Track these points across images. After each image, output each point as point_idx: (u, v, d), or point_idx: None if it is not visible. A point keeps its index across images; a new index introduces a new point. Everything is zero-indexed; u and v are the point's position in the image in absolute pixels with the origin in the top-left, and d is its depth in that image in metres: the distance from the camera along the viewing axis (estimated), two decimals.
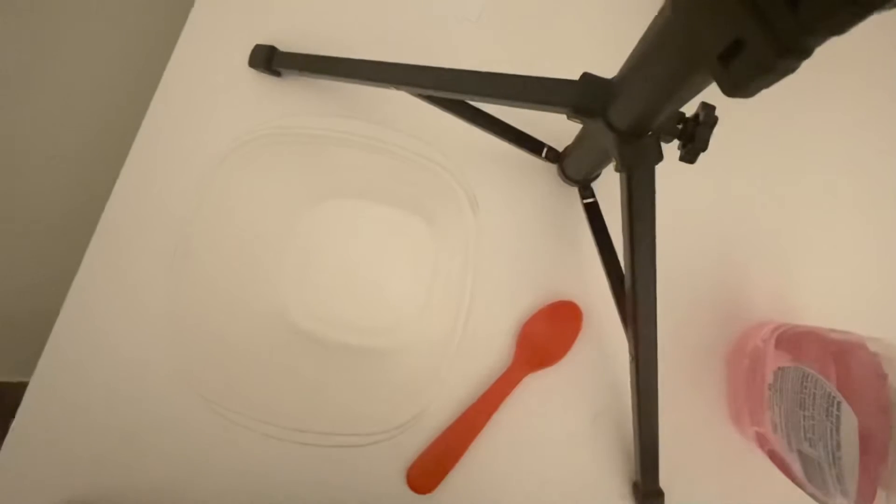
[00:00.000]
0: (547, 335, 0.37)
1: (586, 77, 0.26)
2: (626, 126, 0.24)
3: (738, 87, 0.15)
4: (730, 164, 0.41)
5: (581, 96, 0.25)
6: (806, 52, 0.13)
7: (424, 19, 0.44)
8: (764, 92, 0.15)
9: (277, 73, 0.41)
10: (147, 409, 0.36)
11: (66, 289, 0.38)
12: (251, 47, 0.42)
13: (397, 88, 0.33)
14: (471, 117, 0.35)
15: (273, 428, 0.29)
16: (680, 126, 0.26)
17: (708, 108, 0.25)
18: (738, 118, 0.36)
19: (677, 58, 0.18)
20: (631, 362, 0.32)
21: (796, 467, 0.30)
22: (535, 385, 0.37)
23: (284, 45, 0.41)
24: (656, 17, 0.19)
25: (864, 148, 0.43)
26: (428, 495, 0.35)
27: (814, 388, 0.28)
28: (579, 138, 0.34)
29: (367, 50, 0.36)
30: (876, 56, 0.44)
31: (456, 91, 0.32)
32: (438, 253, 0.38)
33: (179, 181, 0.39)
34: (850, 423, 0.25)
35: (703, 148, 0.25)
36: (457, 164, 0.32)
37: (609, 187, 0.38)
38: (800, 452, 0.29)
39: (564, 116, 0.27)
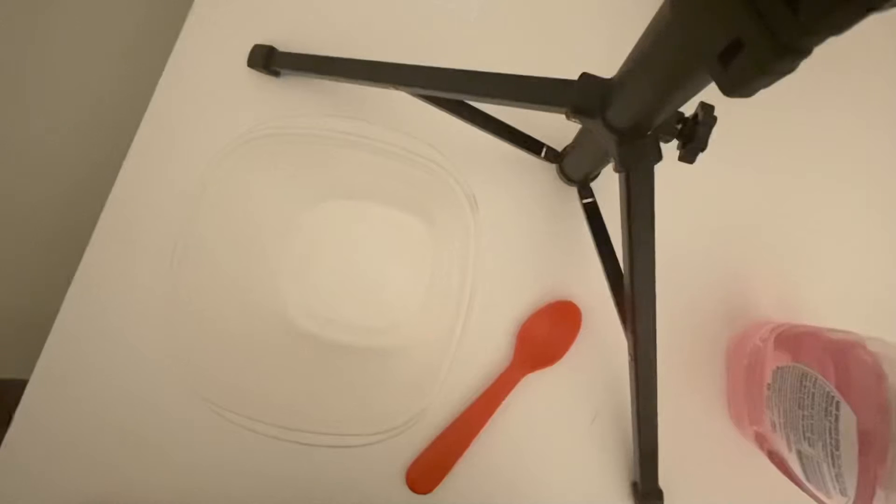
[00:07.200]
0: (546, 335, 0.37)
1: (585, 77, 0.26)
2: (625, 126, 0.24)
3: (738, 87, 0.15)
4: (728, 165, 0.41)
5: (580, 96, 0.25)
6: (805, 52, 0.13)
7: (423, 19, 0.44)
8: (766, 90, 0.14)
9: (276, 73, 0.41)
10: (146, 410, 0.36)
11: (66, 288, 0.38)
12: (250, 47, 0.42)
13: (396, 88, 0.33)
14: (470, 117, 0.35)
15: (273, 428, 0.29)
16: (679, 126, 0.26)
17: (707, 108, 0.25)
18: (739, 117, 0.36)
19: (676, 58, 0.18)
20: (630, 362, 0.32)
21: (795, 467, 0.30)
22: (535, 385, 0.37)
23: (283, 45, 0.41)
24: (655, 17, 0.19)
25: (866, 147, 0.43)
26: (427, 495, 0.35)
27: (813, 387, 0.28)
28: (578, 138, 0.34)
29: (366, 50, 0.36)
30: (881, 55, 0.44)
31: (455, 91, 0.32)
32: (438, 253, 0.38)
33: (178, 181, 0.39)
34: (848, 422, 0.25)
35: (702, 148, 0.25)
36: (456, 164, 0.32)
37: (608, 187, 0.38)
38: (799, 452, 0.29)
39: (563, 116, 0.27)
